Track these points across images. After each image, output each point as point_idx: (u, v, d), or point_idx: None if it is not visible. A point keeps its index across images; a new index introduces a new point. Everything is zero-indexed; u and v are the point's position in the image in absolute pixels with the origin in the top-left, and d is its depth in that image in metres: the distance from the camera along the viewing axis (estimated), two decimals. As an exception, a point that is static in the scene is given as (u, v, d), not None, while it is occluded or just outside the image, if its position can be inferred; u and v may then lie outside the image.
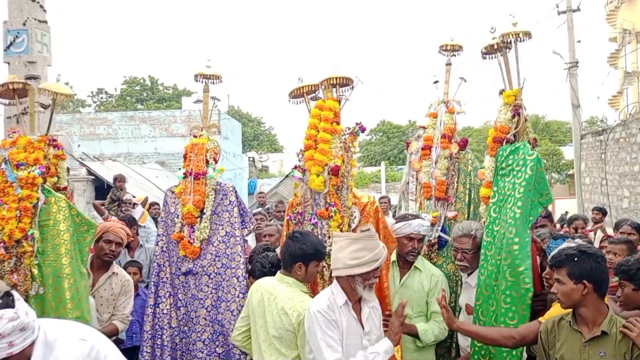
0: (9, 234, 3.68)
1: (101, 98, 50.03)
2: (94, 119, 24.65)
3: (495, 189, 3.62)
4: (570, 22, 17.35)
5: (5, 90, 4.21)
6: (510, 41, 3.70)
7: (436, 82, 5.58)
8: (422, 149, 5.42)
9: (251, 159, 30.89)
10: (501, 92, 3.84)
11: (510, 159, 3.64)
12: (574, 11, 17.42)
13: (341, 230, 3.79)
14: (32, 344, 2.54)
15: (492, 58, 3.84)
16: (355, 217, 3.91)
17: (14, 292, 2.55)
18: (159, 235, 4.49)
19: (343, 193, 3.87)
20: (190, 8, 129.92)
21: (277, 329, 3.37)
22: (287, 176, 26.48)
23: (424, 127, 5.59)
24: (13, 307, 2.46)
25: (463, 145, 5.33)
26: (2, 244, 3.71)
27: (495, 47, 3.73)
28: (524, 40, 3.73)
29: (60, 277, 3.80)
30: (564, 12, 17.42)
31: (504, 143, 3.69)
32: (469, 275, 4.12)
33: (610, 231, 8.55)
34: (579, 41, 17.69)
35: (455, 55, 5.59)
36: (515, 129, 3.70)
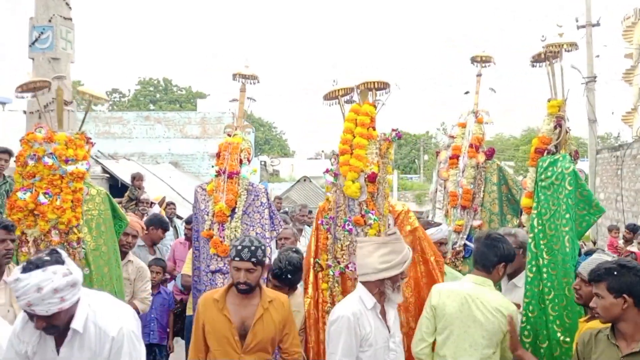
0: (67, 222, 3.92)
1: (114, 98, 50.41)
2: (109, 117, 24.80)
3: (536, 200, 3.59)
4: (590, 37, 17.25)
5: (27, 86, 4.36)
6: (556, 51, 3.68)
7: (467, 92, 5.62)
8: (450, 158, 5.47)
9: (263, 162, 30.97)
10: (548, 100, 3.81)
11: (549, 170, 3.60)
12: (593, 26, 17.32)
13: None
14: (77, 302, 2.62)
15: (540, 66, 3.82)
16: (390, 225, 3.89)
17: (60, 250, 2.64)
18: (195, 231, 4.53)
19: (379, 200, 3.83)
20: (203, 11, 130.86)
21: (486, 330, 3.25)
22: (298, 181, 26.54)
23: (452, 137, 5.63)
24: (63, 263, 2.54)
25: (490, 154, 5.35)
26: (57, 231, 3.95)
27: (543, 56, 3.72)
28: (570, 51, 3.71)
29: (102, 261, 4.15)
30: (583, 27, 17.30)
31: (545, 154, 3.67)
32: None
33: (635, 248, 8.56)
34: (598, 56, 17.53)
35: (485, 67, 5.60)
36: (556, 140, 3.67)
